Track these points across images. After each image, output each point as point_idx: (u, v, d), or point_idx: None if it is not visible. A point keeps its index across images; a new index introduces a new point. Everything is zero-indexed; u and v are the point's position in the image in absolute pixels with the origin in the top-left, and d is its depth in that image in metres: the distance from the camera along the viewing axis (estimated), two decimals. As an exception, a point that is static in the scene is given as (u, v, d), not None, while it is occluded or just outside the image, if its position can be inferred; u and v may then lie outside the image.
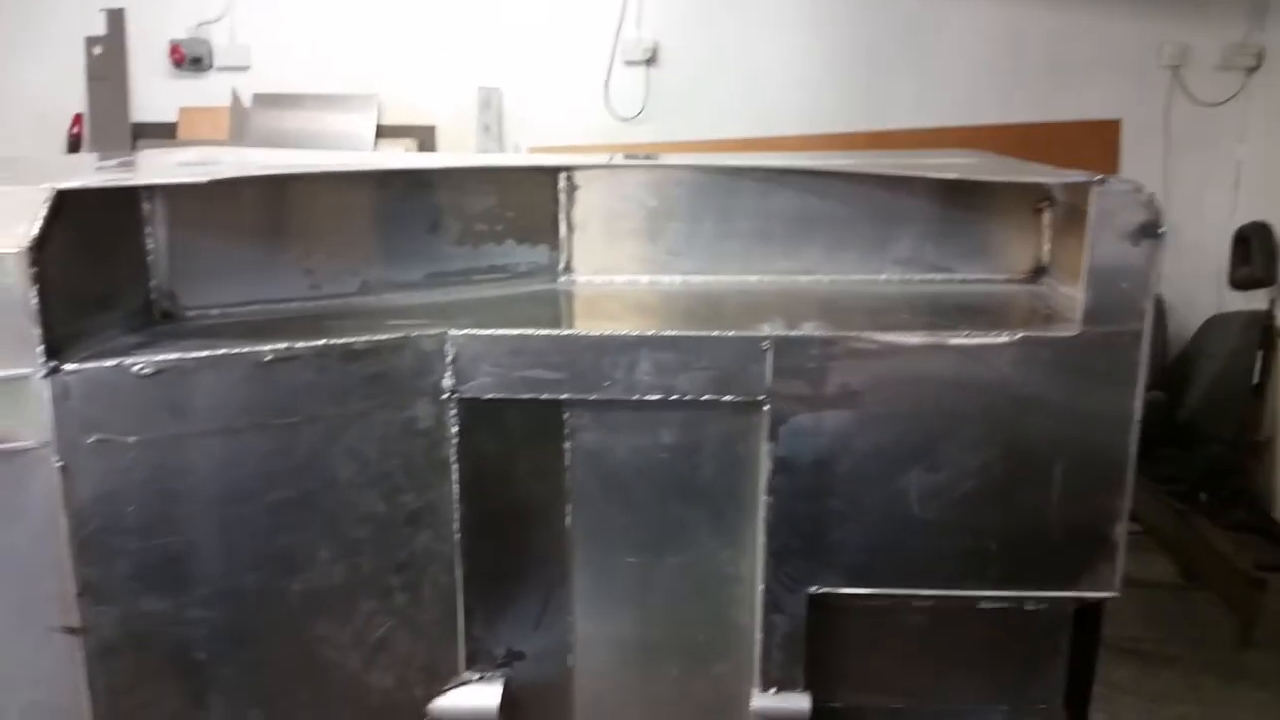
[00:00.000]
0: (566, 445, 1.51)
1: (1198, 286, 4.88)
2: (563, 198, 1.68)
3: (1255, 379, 4.41)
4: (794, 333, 1.42)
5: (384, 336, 1.34)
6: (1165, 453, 4.49)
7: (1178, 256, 4.96)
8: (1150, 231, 1.37)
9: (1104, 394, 1.43)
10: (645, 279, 1.73)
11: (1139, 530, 3.87)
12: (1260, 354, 4.42)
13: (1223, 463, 4.43)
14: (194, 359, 1.25)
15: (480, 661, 1.48)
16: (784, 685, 1.50)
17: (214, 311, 1.42)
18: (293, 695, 1.36)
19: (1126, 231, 1.37)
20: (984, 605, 1.62)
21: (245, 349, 1.27)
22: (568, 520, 1.53)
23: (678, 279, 1.72)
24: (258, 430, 1.28)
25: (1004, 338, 1.42)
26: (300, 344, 1.30)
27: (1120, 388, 1.42)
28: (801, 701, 1.49)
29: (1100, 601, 1.66)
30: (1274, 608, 3.51)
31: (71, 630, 1.20)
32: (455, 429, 1.39)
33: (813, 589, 1.47)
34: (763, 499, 1.45)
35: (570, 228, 1.70)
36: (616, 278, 1.73)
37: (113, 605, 1.22)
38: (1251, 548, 3.91)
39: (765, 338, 1.41)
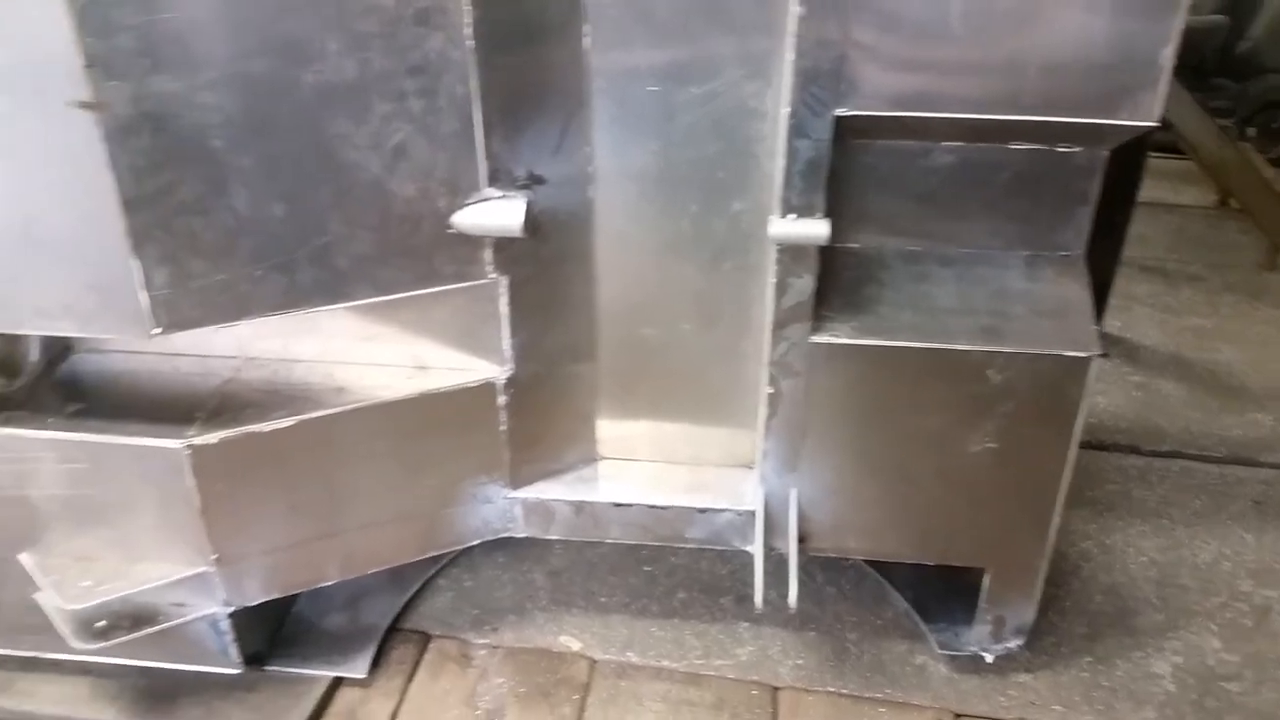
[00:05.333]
0: (584, -43, 1.42)
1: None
2: None
3: (1332, 4, 4.10)
4: None
5: None
6: (1219, 83, 4.28)
7: None
8: None
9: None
10: None
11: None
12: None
13: (1277, 95, 4.22)
14: None
15: (501, 181, 1.48)
16: (803, 212, 1.50)
17: None
18: (316, 193, 1.37)
19: None
20: (1015, 146, 1.59)
21: None
22: (586, 40, 1.47)
23: None
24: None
25: None
26: None
27: None
28: (820, 227, 1.49)
29: (1140, 146, 1.62)
30: (1305, 237, 3.48)
31: (86, 105, 1.19)
32: (456, -81, 1.29)
33: (840, 111, 1.42)
34: (794, 11, 1.36)
35: None
36: None
37: (123, 81, 1.20)
38: (1293, 185, 3.82)
39: None
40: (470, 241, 1.50)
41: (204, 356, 1.65)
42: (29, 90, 1.21)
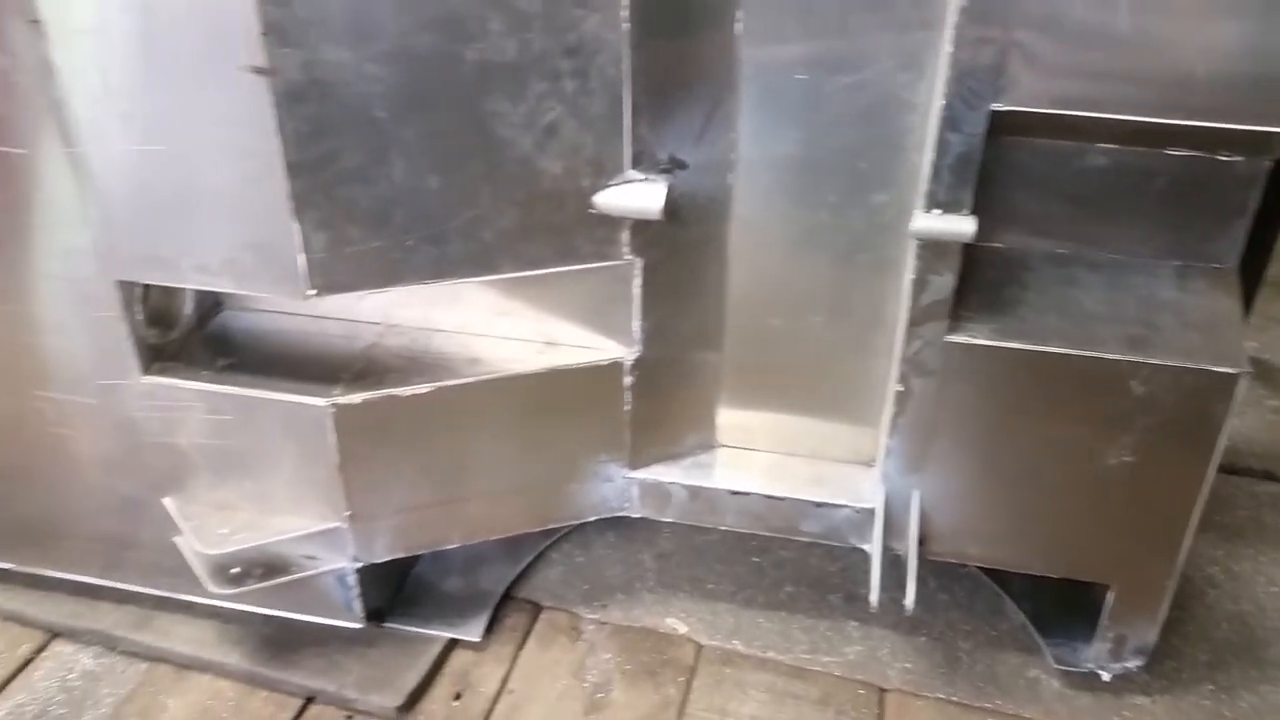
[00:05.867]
0: (738, -60, 1.41)
1: None
2: None
3: None
4: None
5: None
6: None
7: None
8: None
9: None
10: None
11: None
12: None
13: None
14: None
15: (644, 164, 1.48)
16: (949, 208, 1.47)
17: None
18: (469, 168, 1.40)
19: None
20: (1173, 152, 1.53)
21: None
22: (738, 26, 1.46)
23: None
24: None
25: None
26: None
27: None
28: (966, 224, 1.46)
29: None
30: None
31: (259, 70, 1.24)
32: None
33: (996, 106, 1.39)
34: (954, 3, 1.33)
35: None
36: None
37: (296, 49, 1.24)
38: None
39: None
40: (609, 222, 1.51)
41: (350, 321, 1.71)
42: (206, 53, 1.26)
